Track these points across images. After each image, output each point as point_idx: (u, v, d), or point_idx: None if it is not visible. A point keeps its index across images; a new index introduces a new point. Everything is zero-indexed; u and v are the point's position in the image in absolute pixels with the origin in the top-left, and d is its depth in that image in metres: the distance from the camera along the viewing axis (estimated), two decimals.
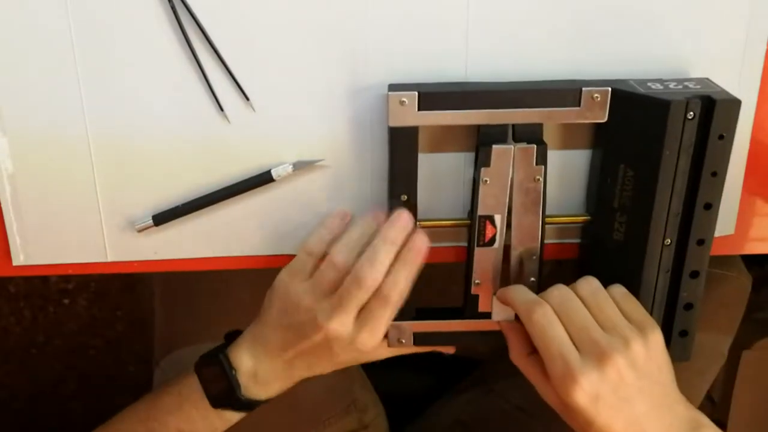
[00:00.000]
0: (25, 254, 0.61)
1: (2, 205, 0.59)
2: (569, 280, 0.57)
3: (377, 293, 0.54)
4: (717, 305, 0.76)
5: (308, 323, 0.55)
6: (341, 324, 0.54)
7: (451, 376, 0.90)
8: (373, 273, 0.54)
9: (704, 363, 0.79)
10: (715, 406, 1.07)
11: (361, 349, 0.56)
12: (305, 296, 0.55)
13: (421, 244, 0.55)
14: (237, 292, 0.75)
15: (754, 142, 0.59)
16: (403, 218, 0.55)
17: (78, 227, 0.60)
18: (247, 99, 0.56)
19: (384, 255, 0.54)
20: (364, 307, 0.55)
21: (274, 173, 0.58)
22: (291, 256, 0.61)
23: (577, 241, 0.63)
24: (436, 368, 0.93)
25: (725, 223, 0.61)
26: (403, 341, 0.61)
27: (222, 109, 0.57)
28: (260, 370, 0.58)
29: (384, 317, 0.55)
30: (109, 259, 0.61)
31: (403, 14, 0.55)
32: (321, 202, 0.60)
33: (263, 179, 0.58)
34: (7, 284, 1.28)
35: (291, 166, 0.58)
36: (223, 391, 0.58)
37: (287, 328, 0.57)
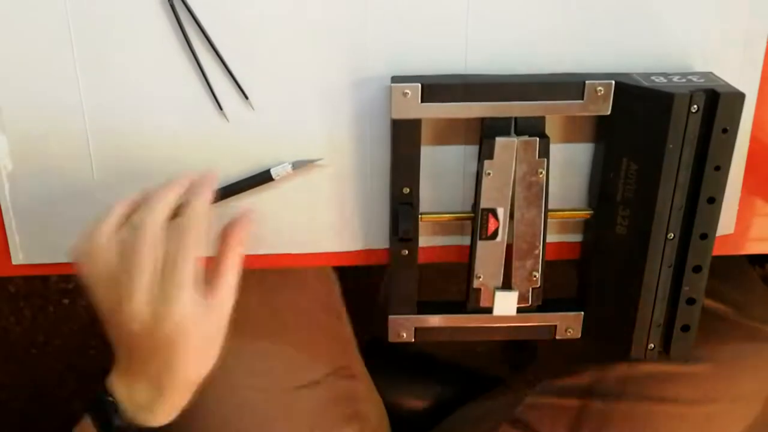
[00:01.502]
0: (25, 253, 0.61)
1: (2, 204, 0.59)
2: (570, 272, 0.56)
3: (184, 209, 0.50)
4: None
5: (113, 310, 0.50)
6: (139, 298, 0.48)
7: (464, 391, 0.89)
8: (162, 192, 0.50)
9: None
10: None
11: (184, 312, 0.49)
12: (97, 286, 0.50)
13: (210, 174, 0.52)
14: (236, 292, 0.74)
15: (754, 141, 0.59)
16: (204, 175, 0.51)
17: (78, 226, 0.60)
18: (246, 97, 0.56)
19: (172, 185, 0.51)
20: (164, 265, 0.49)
21: (273, 172, 0.58)
22: (291, 256, 0.61)
23: (580, 236, 0.63)
24: (449, 381, 0.91)
25: (725, 222, 0.61)
26: (404, 335, 0.61)
27: (221, 108, 0.57)
28: (136, 394, 0.52)
29: (192, 238, 0.49)
30: None
31: (402, 6, 0.55)
32: (321, 202, 0.60)
33: (262, 178, 0.58)
34: (7, 284, 1.28)
35: (290, 166, 0.58)
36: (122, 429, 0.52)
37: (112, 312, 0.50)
